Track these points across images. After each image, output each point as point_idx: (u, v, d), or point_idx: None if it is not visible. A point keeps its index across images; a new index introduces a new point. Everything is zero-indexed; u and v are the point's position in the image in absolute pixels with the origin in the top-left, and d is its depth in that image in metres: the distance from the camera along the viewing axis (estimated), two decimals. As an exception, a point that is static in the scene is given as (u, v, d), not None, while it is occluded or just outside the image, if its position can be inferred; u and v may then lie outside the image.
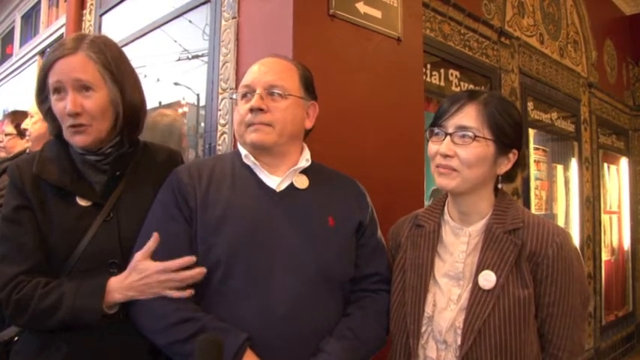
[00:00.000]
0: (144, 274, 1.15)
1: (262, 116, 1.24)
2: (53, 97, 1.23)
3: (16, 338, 1.30)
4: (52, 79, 1.21)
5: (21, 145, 2.65)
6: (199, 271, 1.16)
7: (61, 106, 1.21)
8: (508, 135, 1.21)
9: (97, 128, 1.24)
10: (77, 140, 1.23)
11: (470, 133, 1.18)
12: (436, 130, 1.23)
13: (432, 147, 1.24)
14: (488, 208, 1.25)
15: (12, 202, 1.22)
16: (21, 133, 2.62)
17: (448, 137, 1.20)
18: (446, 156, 1.20)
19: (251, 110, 1.24)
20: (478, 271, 1.18)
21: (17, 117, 2.68)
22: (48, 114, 1.27)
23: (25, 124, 2.46)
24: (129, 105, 1.28)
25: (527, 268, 1.17)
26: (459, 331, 1.17)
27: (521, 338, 1.15)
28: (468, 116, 1.19)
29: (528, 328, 1.16)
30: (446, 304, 1.21)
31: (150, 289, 1.16)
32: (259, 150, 1.27)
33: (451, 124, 1.20)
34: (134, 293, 1.16)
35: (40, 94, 1.26)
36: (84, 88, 1.21)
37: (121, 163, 1.30)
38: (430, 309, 1.23)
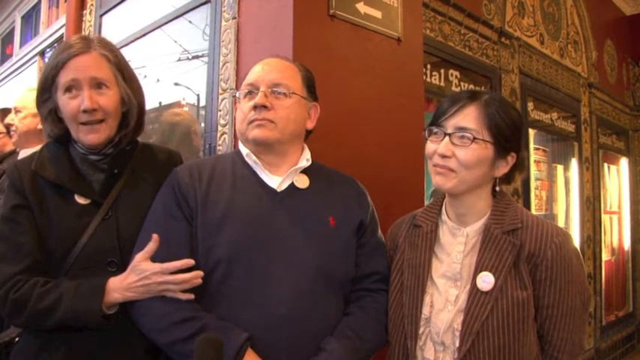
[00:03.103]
0: (142, 275, 1.14)
1: (266, 113, 1.24)
2: (64, 96, 1.22)
3: (16, 339, 1.30)
4: (65, 78, 1.21)
5: (11, 144, 2.54)
6: (196, 274, 1.15)
7: (75, 104, 1.21)
8: (507, 138, 1.20)
9: (109, 125, 1.25)
10: (91, 138, 1.24)
11: (469, 135, 1.17)
12: (435, 129, 1.23)
13: (430, 146, 1.23)
14: (485, 208, 1.25)
15: (10, 201, 1.22)
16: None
17: (447, 137, 1.19)
18: (444, 156, 1.19)
19: (254, 107, 1.25)
20: (476, 272, 1.18)
21: (7, 115, 2.54)
22: (49, 115, 1.27)
23: (10, 119, 2.35)
24: (137, 105, 1.31)
25: (525, 270, 1.17)
26: (457, 333, 1.16)
27: (520, 340, 1.14)
28: (468, 117, 1.19)
29: (527, 329, 1.16)
30: (443, 305, 1.21)
31: (148, 291, 1.15)
32: (261, 147, 1.27)
33: (451, 124, 1.20)
34: (132, 294, 1.15)
35: (42, 95, 1.26)
36: (99, 85, 1.23)
37: (119, 161, 1.30)
38: (427, 310, 1.22)
